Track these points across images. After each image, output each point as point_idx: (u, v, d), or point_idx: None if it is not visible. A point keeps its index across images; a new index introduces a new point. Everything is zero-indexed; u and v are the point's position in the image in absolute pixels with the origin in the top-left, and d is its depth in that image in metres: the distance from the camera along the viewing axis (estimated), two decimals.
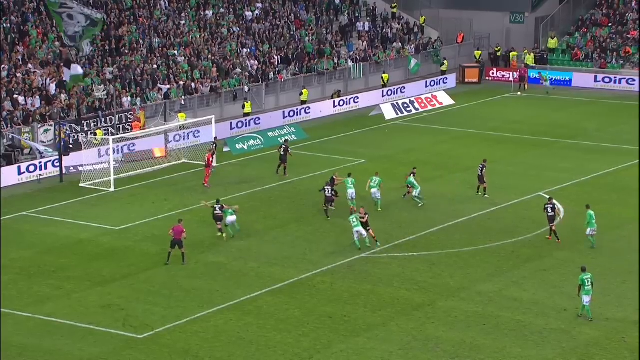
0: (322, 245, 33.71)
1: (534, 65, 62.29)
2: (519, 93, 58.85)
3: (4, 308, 28.00)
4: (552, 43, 64.13)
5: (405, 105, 54.93)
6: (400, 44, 63.01)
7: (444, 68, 62.73)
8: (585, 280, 27.03)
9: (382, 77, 59.34)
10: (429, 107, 55.64)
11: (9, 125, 43.25)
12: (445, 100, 56.69)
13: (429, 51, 64.15)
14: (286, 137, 46.69)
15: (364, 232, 32.89)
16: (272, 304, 28.56)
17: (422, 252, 32.76)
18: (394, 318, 27.55)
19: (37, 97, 45.29)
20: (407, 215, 36.62)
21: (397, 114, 54.19)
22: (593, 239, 32.74)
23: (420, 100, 55.90)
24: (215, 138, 43.86)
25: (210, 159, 40.61)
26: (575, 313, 27.53)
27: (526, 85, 59.89)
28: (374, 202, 36.98)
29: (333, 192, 36.67)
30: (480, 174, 38.41)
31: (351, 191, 36.62)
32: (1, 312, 27.71)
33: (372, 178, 37.44)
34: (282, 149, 42.43)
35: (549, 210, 33.11)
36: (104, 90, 46.68)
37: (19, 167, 41.51)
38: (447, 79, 61.30)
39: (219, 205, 34.03)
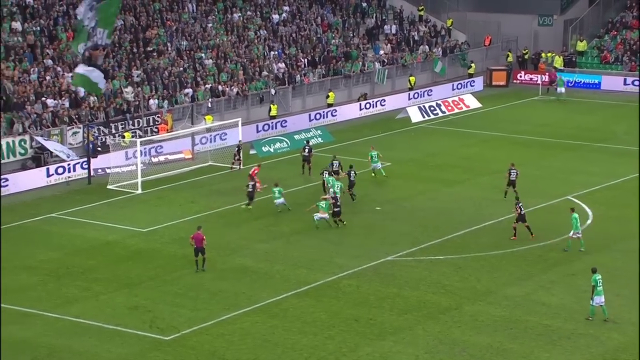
0: (348, 248, 33.75)
1: (562, 68, 61.93)
2: (561, 89, 57.78)
3: (33, 309, 28.32)
4: (581, 46, 63.72)
5: (432, 108, 54.84)
6: (427, 47, 62.91)
7: (471, 71, 62.56)
8: (598, 281, 27.02)
9: (409, 80, 59.27)
10: (456, 110, 55.49)
11: (38, 128, 43.71)
12: (473, 103, 56.53)
13: (456, 54, 64.00)
14: (310, 139, 46.91)
15: (327, 216, 34.59)
16: (298, 307, 28.64)
17: (449, 256, 32.70)
18: (420, 322, 27.54)
19: (66, 99, 45.74)
20: (433, 218, 36.57)
21: (424, 117, 54.10)
22: (580, 242, 32.41)
23: (447, 103, 55.77)
24: (240, 141, 43.95)
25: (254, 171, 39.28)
26: (603, 318, 27.35)
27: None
28: (375, 173, 39.25)
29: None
30: (513, 178, 38.18)
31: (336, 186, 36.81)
32: (1, 313, 28.04)
33: (371, 154, 39.88)
34: (306, 149, 42.63)
35: (519, 207, 33.41)
36: (132, 92, 46.98)
37: (48, 169, 41.91)
38: (474, 81, 61.11)
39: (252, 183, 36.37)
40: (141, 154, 42.24)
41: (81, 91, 43.65)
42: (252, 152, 46.67)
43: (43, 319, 27.79)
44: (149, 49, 51.80)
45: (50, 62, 47.38)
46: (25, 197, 39.74)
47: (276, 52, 56.66)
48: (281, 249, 33.64)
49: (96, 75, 40.29)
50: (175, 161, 44.75)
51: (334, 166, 39.54)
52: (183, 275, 31.09)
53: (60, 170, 42.11)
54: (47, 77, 46.26)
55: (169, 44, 52.94)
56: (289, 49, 57.63)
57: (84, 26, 31.74)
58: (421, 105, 54.94)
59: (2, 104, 43.23)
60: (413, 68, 61.20)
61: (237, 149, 43.45)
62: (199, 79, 51.55)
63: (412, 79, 59.33)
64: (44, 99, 44.96)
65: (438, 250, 33.30)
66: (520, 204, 33.85)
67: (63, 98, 45.66)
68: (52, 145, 42.60)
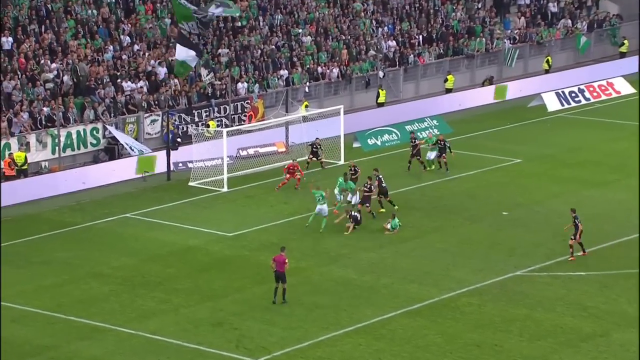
0: (468, 259, 33.61)
1: None
2: None
3: (104, 323, 29.14)
4: None
5: (573, 95, 54.03)
6: (569, 21, 61.91)
7: (623, 49, 61.29)
8: None
9: (546, 61, 58.45)
10: (603, 97, 54.55)
11: (112, 115, 44.88)
12: (624, 88, 55.41)
13: (605, 29, 62.75)
14: (421, 131, 46.95)
15: (326, 211, 35.22)
16: (409, 328, 28.67)
17: (592, 272, 32.20)
18: (556, 350, 27.21)
19: (144, 82, 46.76)
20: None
21: (563, 105, 53.35)
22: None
23: (592, 89, 54.87)
24: (317, 139, 43.91)
25: (295, 167, 40.13)
26: None
27: None
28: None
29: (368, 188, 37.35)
30: None
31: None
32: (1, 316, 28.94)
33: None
34: (414, 141, 42.77)
35: None
36: (208, 74, 47.67)
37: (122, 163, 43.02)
38: (626, 62, 59.79)
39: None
40: (227, 147, 42.91)
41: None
42: (355, 145, 46.88)
43: (115, 334, 28.58)
44: (237, 24, 52.61)
45: (127, 39, 48.52)
46: (95, 194, 40.92)
47: (386, 28, 56.73)
48: (389, 259, 33.70)
49: (192, 58, 42.06)
50: (267, 155, 45.35)
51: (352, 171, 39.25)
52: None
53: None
54: (123, 57, 47.38)
55: (260, 19, 53.64)
56: (400, 23, 57.61)
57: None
58: (560, 91, 54.14)
59: (73, 87, 44.61)
60: (550, 46, 60.33)
61: (313, 146, 43.15)
62: (294, 59, 52.08)
63: (548, 59, 58.51)
64: (118, 81, 46.06)
65: (579, 264, 32.82)
66: None
67: (140, 80, 46.67)
68: (123, 138, 43.70)
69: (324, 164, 43.43)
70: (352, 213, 36.02)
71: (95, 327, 28.92)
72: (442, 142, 42.60)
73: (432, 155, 42.90)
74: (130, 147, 43.22)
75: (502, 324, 28.74)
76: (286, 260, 29.97)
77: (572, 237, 33.28)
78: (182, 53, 42.22)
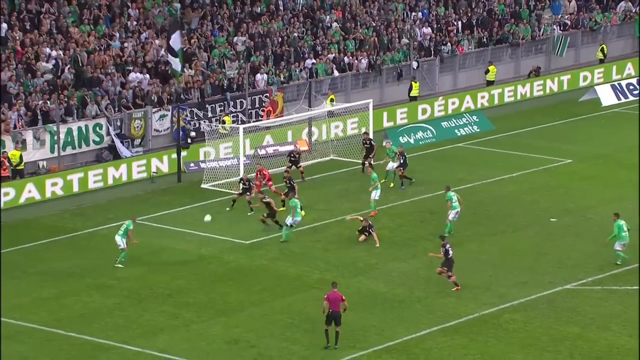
0: (511, 271, 33.58)
1: None
2: None
3: (109, 340, 29.28)
4: None
5: (631, 87, 53.82)
6: (629, 4, 61.63)
7: None
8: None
9: (601, 49, 58.27)
10: None
11: (117, 109, 45.12)
12: None
13: None
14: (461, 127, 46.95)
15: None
16: (445, 347, 28.68)
17: None
18: None
19: (152, 73, 46.92)
20: (630, 235, 35.84)
21: (619, 99, 53.19)
22: (620, 254, 33.55)
23: None
24: (296, 145, 43.74)
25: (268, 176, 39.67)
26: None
27: None
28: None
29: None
30: None
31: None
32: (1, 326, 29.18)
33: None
34: (368, 142, 42.69)
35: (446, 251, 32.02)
36: (235, 68, 47.92)
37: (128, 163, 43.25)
38: None
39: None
40: (244, 145, 43.03)
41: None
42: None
43: (121, 352, 28.67)
44: (256, 9, 52.77)
45: (134, 24, 48.68)
46: (98, 197, 41.15)
47: (420, 13, 56.73)
48: (423, 271, 33.71)
49: (176, 63, 42.30)
50: (287, 154, 45.46)
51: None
52: (295, 302, 31.57)
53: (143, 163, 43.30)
54: (129, 45, 47.57)
55: (281, 2, 53.77)
56: (436, 8, 57.60)
57: None
58: (615, 84, 53.96)
59: (74, 79, 44.87)
60: (606, 33, 60.12)
61: (291, 155, 42.33)
62: (318, 47, 52.19)
63: (603, 47, 58.31)
64: (129, 72, 46.04)
65: (637, 277, 32.65)
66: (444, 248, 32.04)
67: (148, 71, 46.82)
68: (120, 146, 43.72)
69: (304, 174, 42.29)
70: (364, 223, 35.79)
71: (98, 345, 29.03)
72: (402, 156, 41.39)
73: (392, 166, 41.69)
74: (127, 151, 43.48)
75: (550, 344, 28.68)
76: (343, 297, 28.57)
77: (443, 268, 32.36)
78: (177, 44, 42.37)
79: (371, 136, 43.72)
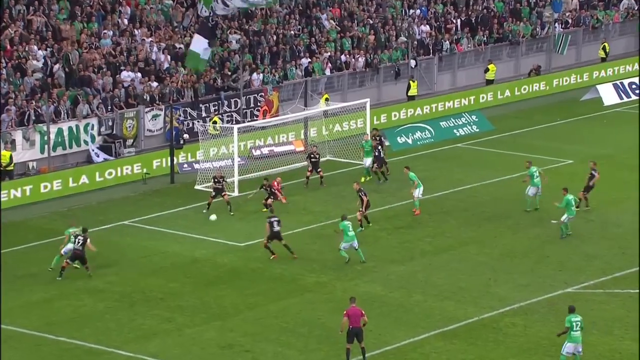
0: (511, 274, 33.57)
1: None
2: None
3: (100, 344, 29.27)
4: None
5: (634, 87, 53.82)
6: (631, 1, 61.64)
7: None
8: (574, 324, 27.12)
9: (602, 48, 58.28)
10: None
11: (109, 109, 45.05)
12: None
13: None
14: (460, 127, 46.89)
15: (356, 244, 34.06)
16: (444, 352, 28.66)
17: None
18: None
19: (144, 72, 46.85)
20: (632, 237, 35.93)
21: (621, 98, 53.20)
22: (565, 227, 35.71)
23: None
24: (314, 146, 43.28)
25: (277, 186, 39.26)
26: None
27: None
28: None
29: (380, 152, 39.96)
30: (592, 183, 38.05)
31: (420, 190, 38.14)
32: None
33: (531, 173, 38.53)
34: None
35: None
36: (235, 74, 47.81)
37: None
38: None
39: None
40: (239, 145, 42.98)
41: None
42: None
43: (112, 357, 28.65)
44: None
45: (125, 22, 48.68)
46: (89, 198, 41.11)
47: (418, 10, 56.73)
48: (421, 273, 33.71)
49: (205, 51, 42.49)
50: (282, 154, 45.44)
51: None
52: (291, 305, 31.56)
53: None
54: (122, 43, 47.51)
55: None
56: (435, 5, 57.60)
57: None
58: (618, 83, 53.97)
59: (65, 77, 44.81)
60: (608, 31, 60.14)
61: (311, 156, 42.06)
62: (314, 46, 52.17)
63: (605, 45, 58.33)
64: (117, 70, 46.03)
65: None
66: None
67: (139, 69, 46.73)
68: (93, 152, 43.62)
69: (324, 178, 42.06)
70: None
71: (89, 350, 29.00)
72: (377, 150, 41.49)
73: (367, 161, 41.77)
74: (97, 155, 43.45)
75: (551, 348, 28.64)
76: (363, 312, 27.84)
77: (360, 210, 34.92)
78: (199, 45, 42.40)
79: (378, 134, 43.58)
